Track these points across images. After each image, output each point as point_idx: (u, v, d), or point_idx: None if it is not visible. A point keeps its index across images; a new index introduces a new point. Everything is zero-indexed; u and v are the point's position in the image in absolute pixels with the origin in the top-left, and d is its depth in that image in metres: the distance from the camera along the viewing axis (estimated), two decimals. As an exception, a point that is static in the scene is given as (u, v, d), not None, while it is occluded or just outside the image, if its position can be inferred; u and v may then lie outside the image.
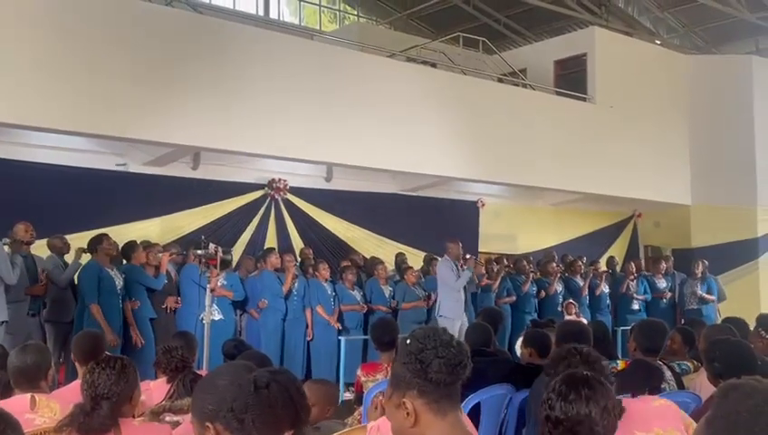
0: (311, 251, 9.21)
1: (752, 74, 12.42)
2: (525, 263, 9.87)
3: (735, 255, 11.93)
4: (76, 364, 3.79)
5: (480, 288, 9.05)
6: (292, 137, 8.36)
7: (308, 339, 8.04)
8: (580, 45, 12.07)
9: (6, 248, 6.06)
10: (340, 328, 8.12)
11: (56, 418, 2.74)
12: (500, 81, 11.46)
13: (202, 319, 6.78)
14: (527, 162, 10.42)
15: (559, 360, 2.69)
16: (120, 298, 6.58)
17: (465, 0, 16.88)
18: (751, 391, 1.44)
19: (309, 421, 1.93)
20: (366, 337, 7.77)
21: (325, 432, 2.95)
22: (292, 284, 7.93)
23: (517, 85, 11.63)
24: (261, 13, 17.64)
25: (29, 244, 6.41)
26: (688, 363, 4.58)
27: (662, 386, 3.72)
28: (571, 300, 9.46)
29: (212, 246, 6.64)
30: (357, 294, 8.34)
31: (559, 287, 9.79)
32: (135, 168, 8.49)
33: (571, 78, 11.94)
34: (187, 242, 8.01)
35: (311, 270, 8.36)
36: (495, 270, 9.41)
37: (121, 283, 6.60)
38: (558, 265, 10.14)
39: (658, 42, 16.22)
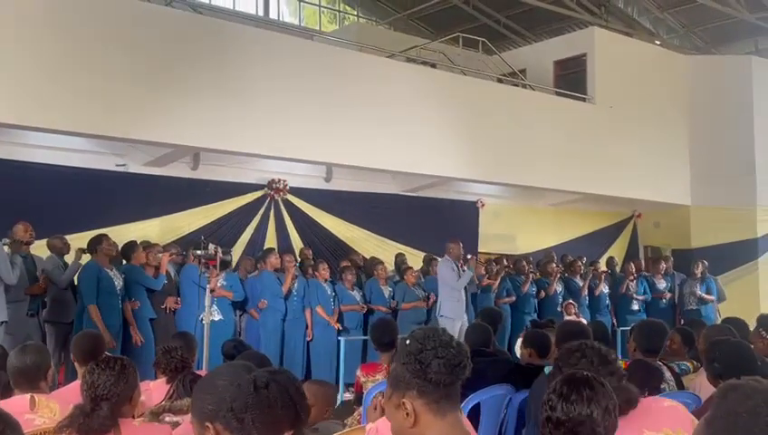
0: (310, 251, 9.22)
1: (751, 75, 12.42)
2: (525, 263, 9.88)
3: (735, 255, 11.93)
4: (76, 365, 3.79)
5: (480, 288, 9.05)
6: (291, 137, 8.36)
7: (308, 339, 8.04)
8: (579, 46, 12.07)
9: (6, 249, 6.06)
10: (340, 328, 8.12)
11: (56, 418, 2.74)
12: (500, 81, 11.46)
13: (202, 319, 6.78)
14: (527, 163, 10.42)
15: (570, 353, 2.69)
16: (120, 298, 6.57)
17: (465, 0, 16.88)
18: (750, 391, 1.44)
19: (308, 422, 1.93)
20: (366, 337, 7.78)
21: (324, 433, 2.95)
22: (292, 284, 7.93)
23: (517, 86, 11.63)
24: (261, 13, 17.64)
25: (29, 244, 6.41)
26: (688, 364, 4.58)
27: (662, 386, 3.73)
28: (570, 300, 9.46)
29: (212, 246, 6.64)
30: (356, 295, 8.34)
31: (558, 288, 9.79)
32: (135, 168, 8.49)
33: (571, 78, 11.94)
34: (187, 242, 8.01)
35: (310, 270, 8.36)
36: (495, 270, 9.41)
37: (121, 283, 6.60)
38: (558, 266, 10.14)
39: (658, 42, 16.22)
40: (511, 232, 11.81)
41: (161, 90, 7.58)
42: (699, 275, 10.20)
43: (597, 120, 11.37)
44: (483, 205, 11.49)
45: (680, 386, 4.00)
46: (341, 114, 8.76)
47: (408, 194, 10.66)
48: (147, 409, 3.18)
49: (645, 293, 10.46)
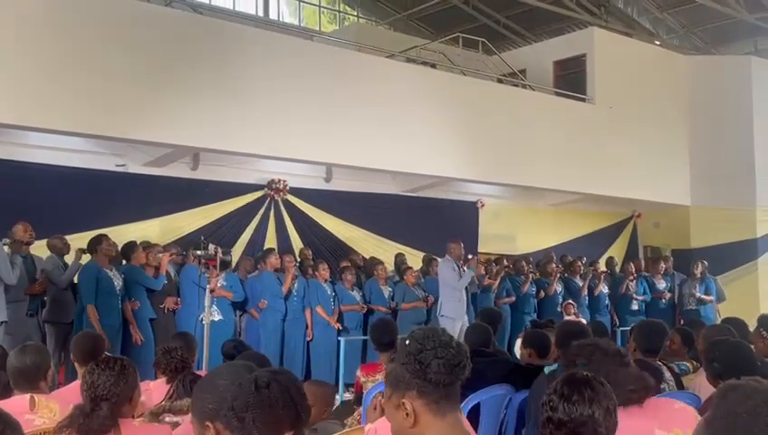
0: (310, 252, 9.22)
1: (751, 75, 12.43)
2: (524, 263, 9.88)
3: (735, 255, 11.94)
4: (76, 365, 3.79)
5: (480, 288, 9.06)
6: (291, 137, 8.36)
7: (308, 339, 8.04)
8: (579, 46, 12.07)
9: (6, 249, 6.06)
10: (340, 328, 8.12)
11: (55, 418, 2.74)
12: (499, 81, 11.47)
13: (201, 320, 6.78)
14: (527, 163, 10.42)
15: (582, 347, 2.69)
16: (120, 299, 6.58)
17: (465, 1, 16.88)
18: (750, 391, 1.44)
19: (308, 423, 1.93)
20: (365, 338, 7.78)
21: (323, 433, 2.95)
22: (292, 284, 7.93)
23: (517, 86, 11.63)
24: (260, 13, 17.65)
25: (28, 244, 6.41)
26: (688, 364, 4.58)
27: (662, 386, 3.73)
28: (569, 300, 9.46)
29: (211, 246, 6.64)
30: (356, 295, 8.35)
31: (558, 288, 9.80)
32: (134, 168, 8.49)
33: (571, 78, 11.94)
34: (187, 243, 8.02)
35: (310, 270, 8.36)
36: (495, 271, 9.41)
37: (120, 283, 6.60)
38: (558, 266, 10.15)
39: (658, 42, 16.23)
40: (511, 232, 11.81)
41: (161, 90, 7.58)
42: (699, 276, 10.20)
43: (597, 120, 11.37)
44: (483, 205, 11.50)
45: (680, 386, 3.99)
46: (341, 114, 8.76)
47: (408, 194, 10.66)
48: (147, 409, 3.18)
49: (645, 293, 10.46)
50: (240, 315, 8.04)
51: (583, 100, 11.49)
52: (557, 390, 2.08)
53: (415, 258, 9.87)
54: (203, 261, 6.71)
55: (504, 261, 9.95)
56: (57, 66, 6.96)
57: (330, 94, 8.71)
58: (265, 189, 9.42)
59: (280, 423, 1.75)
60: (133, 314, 6.71)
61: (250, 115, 8.09)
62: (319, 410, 3.13)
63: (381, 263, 8.84)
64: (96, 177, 8.07)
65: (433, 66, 10.93)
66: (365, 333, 7.85)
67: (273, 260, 8.03)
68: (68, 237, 6.88)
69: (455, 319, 7.74)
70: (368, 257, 9.40)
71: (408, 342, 1.85)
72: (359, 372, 4.67)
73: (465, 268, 8.08)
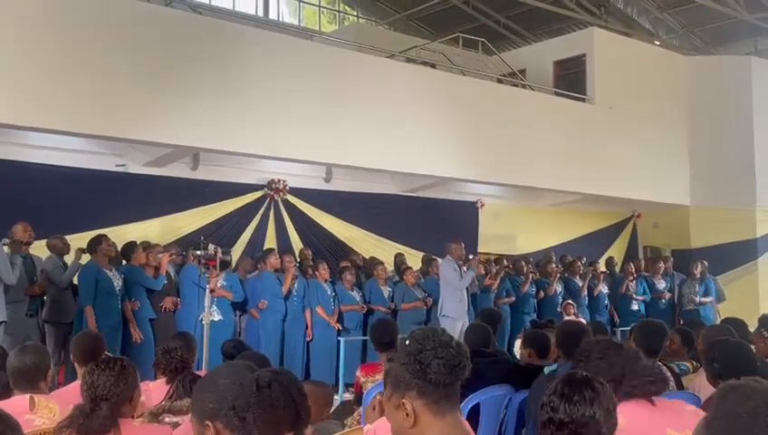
0: (310, 252, 9.21)
1: (751, 75, 12.44)
2: (524, 263, 9.88)
3: (734, 255, 11.94)
4: (75, 365, 3.79)
5: (480, 289, 9.06)
6: (291, 137, 8.36)
7: (308, 339, 8.04)
8: (579, 46, 12.08)
9: (6, 249, 6.06)
10: (340, 328, 8.12)
11: (55, 418, 2.74)
12: (499, 81, 11.47)
13: (201, 320, 6.78)
14: (526, 163, 10.43)
15: (594, 344, 2.68)
16: (120, 299, 6.58)
17: (465, 1, 16.88)
18: (750, 392, 1.44)
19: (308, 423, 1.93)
20: (365, 338, 7.78)
21: (322, 433, 2.95)
22: (292, 284, 7.93)
23: (516, 86, 11.63)
24: (260, 13, 17.64)
25: (28, 244, 6.40)
26: (687, 364, 4.58)
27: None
28: (569, 301, 9.47)
29: (211, 246, 6.64)
30: (356, 295, 8.35)
31: (558, 288, 9.80)
32: (134, 168, 8.49)
33: (571, 79, 11.94)
34: (187, 243, 8.02)
35: (310, 271, 8.36)
36: (495, 271, 9.41)
37: (120, 283, 6.61)
38: (557, 266, 10.15)
39: (657, 42, 16.23)
40: (510, 232, 11.81)
41: (161, 90, 7.58)
42: (698, 276, 10.20)
43: (596, 120, 11.37)
44: (482, 205, 11.50)
45: (680, 386, 4.00)
46: (341, 114, 8.76)
47: (408, 194, 10.66)
48: (147, 409, 3.18)
49: (644, 293, 10.46)
50: (240, 315, 8.04)
51: (583, 100, 11.49)
52: (557, 390, 2.07)
53: (414, 258, 9.87)
54: (203, 261, 6.71)
55: (504, 261, 9.95)
56: (57, 66, 6.96)
57: (329, 94, 8.72)
58: (265, 189, 9.42)
59: (280, 423, 1.75)
60: (133, 314, 6.71)
61: (250, 115, 8.09)
62: (317, 410, 3.13)
63: (381, 263, 8.84)
64: (96, 177, 8.07)
65: (433, 66, 10.93)
66: (365, 334, 7.85)
67: (273, 260, 8.03)
68: (68, 237, 6.88)
69: (456, 319, 7.74)
70: (367, 257, 9.40)
71: (408, 342, 1.85)
72: (358, 373, 4.66)
73: (466, 269, 8.08)
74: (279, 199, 9.52)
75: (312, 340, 8.04)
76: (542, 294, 9.74)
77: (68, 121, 7.11)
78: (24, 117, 6.88)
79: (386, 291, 8.55)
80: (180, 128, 7.69)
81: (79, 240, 6.89)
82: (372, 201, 10.33)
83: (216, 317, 7.08)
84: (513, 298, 9.50)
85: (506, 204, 11.81)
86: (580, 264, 10.35)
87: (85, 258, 6.59)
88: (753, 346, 4.15)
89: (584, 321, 8.13)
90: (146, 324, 6.82)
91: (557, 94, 11.59)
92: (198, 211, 8.81)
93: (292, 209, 9.64)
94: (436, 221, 10.57)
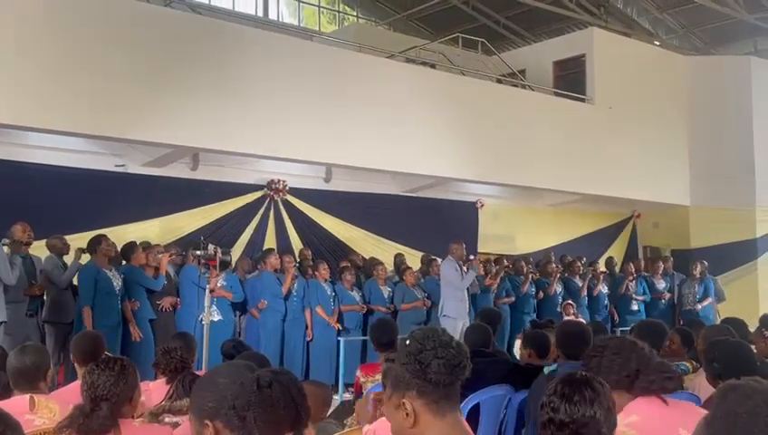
0: (310, 252, 9.21)
1: (750, 75, 12.44)
2: (524, 263, 9.88)
3: (734, 255, 11.95)
4: (75, 365, 3.78)
5: (481, 289, 9.06)
6: (291, 138, 8.36)
7: (307, 340, 8.04)
8: (579, 46, 12.08)
9: (6, 249, 6.06)
10: (340, 329, 8.12)
11: (55, 419, 2.74)
12: (499, 81, 11.47)
13: (201, 320, 6.78)
14: (526, 163, 10.43)
15: (607, 342, 2.68)
16: (119, 299, 6.58)
17: (465, 1, 16.88)
18: (750, 392, 1.44)
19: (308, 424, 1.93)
20: (365, 338, 7.78)
21: (322, 433, 2.95)
22: (292, 284, 7.93)
23: (516, 86, 11.64)
24: (260, 13, 17.64)
25: (28, 244, 6.40)
26: (687, 364, 4.58)
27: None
28: (569, 301, 9.47)
29: (211, 246, 6.64)
30: (356, 295, 8.35)
31: (558, 288, 9.80)
32: (134, 168, 8.49)
33: (570, 79, 11.95)
34: (187, 243, 8.02)
35: (310, 271, 8.36)
36: (494, 271, 9.41)
37: (120, 284, 6.60)
38: (557, 266, 10.15)
39: (657, 43, 16.23)
40: (510, 232, 11.81)
41: (161, 90, 7.58)
42: (698, 276, 10.20)
43: (596, 120, 11.37)
44: (482, 205, 11.50)
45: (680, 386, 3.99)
46: (341, 114, 8.76)
47: (408, 194, 10.66)
48: (146, 409, 3.18)
49: (644, 293, 10.46)
50: (240, 316, 8.04)
51: (583, 100, 11.49)
52: (557, 390, 2.06)
53: (414, 258, 9.87)
54: (202, 261, 6.70)
55: (504, 261, 9.95)
56: (57, 66, 6.96)
57: (329, 94, 8.72)
58: (265, 190, 9.43)
59: (280, 423, 1.75)
60: (133, 314, 6.71)
61: (250, 115, 8.09)
62: (315, 410, 3.13)
63: (381, 263, 8.84)
64: (96, 177, 8.07)
65: (432, 66, 10.93)
66: (365, 334, 7.85)
67: (273, 260, 8.03)
68: (67, 238, 6.87)
69: (456, 319, 7.75)
70: (367, 258, 9.40)
71: (408, 342, 1.85)
72: (358, 373, 4.66)
73: (467, 269, 8.08)
74: (279, 199, 9.52)
75: (311, 340, 8.04)
76: (541, 294, 9.74)
77: (67, 122, 7.11)
78: (24, 117, 6.88)
79: (385, 291, 8.55)
80: (180, 128, 7.69)
81: (78, 240, 6.89)
82: (372, 201, 10.33)
83: (216, 317, 7.08)
84: (513, 298, 9.50)
85: (506, 204, 11.81)
86: (579, 264, 10.35)
87: (85, 258, 6.59)
88: (753, 346, 4.15)
89: (584, 321, 8.13)
90: (146, 325, 6.82)
91: (557, 94, 11.59)
92: (198, 211, 8.81)
93: (291, 209, 9.64)
94: (436, 221, 10.57)
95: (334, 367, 7.86)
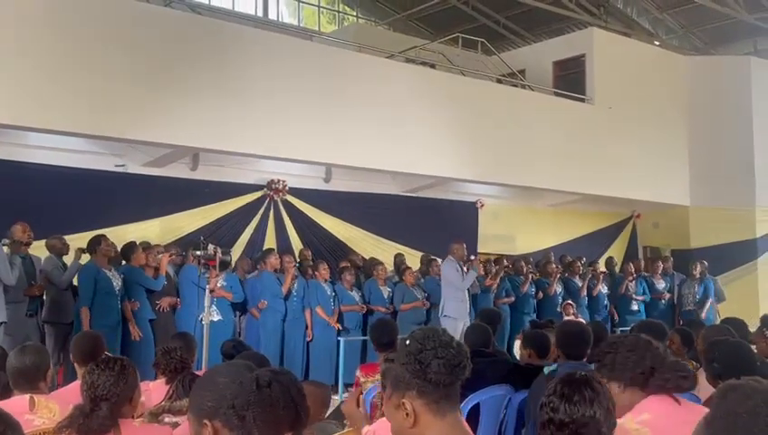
0: (309, 252, 9.21)
1: (750, 75, 12.45)
2: (524, 263, 9.88)
3: (734, 255, 11.95)
4: (75, 365, 3.78)
5: (481, 289, 9.06)
6: (291, 138, 8.36)
7: (307, 340, 8.04)
8: (578, 46, 12.08)
9: (5, 249, 6.05)
10: (340, 329, 8.12)
11: (55, 419, 2.74)
12: (499, 81, 11.47)
13: (201, 320, 6.77)
14: (526, 163, 10.43)
15: (622, 339, 2.68)
16: (119, 299, 6.58)
17: (464, 1, 16.88)
18: (750, 391, 1.44)
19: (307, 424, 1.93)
20: (365, 338, 7.78)
21: (321, 433, 2.95)
22: (292, 284, 7.93)
23: (516, 86, 11.64)
24: (260, 14, 17.64)
25: (27, 245, 6.39)
26: (687, 364, 4.58)
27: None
28: (569, 301, 9.47)
29: (211, 246, 6.63)
30: (356, 295, 8.35)
31: (558, 288, 9.80)
32: (134, 168, 8.49)
33: (570, 79, 11.95)
34: (187, 243, 8.02)
35: (310, 271, 8.36)
36: (494, 271, 9.42)
37: (119, 284, 6.60)
38: (557, 266, 10.15)
39: (657, 43, 16.23)
40: (510, 232, 11.82)
41: (161, 90, 7.58)
42: (698, 276, 10.20)
43: (596, 120, 11.38)
44: (482, 205, 11.50)
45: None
46: (341, 115, 8.76)
47: (408, 194, 10.66)
48: (146, 409, 3.18)
49: (644, 293, 10.46)
50: (240, 316, 8.04)
51: (582, 100, 11.49)
52: (557, 391, 2.06)
53: (414, 259, 9.87)
54: (202, 261, 6.70)
55: (504, 261, 9.95)
56: (57, 66, 6.96)
57: (329, 94, 8.72)
58: (265, 190, 9.43)
59: (280, 423, 1.75)
60: (133, 314, 6.71)
61: (250, 115, 8.09)
62: (314, 411, 3.13)
63: (381, 263, 8.84)
64: (95, 177, 8.07)
65: (432, 66, 10.93)
66: (365, 334, 7.85)
67: (273, 260, 8.03)
68: (67, 238, 6.87)
69: (457, 319, 7.75)
70: (367, 258, 9.40)
71: (408, 342, 1.85)
72: (358, 373, 4.66)
73: (467, 269, 8.08)
74: (279, 199, 9.52)
75: (311, 340, 8.04)
76: (541, 294, 9.74)
77: (67, 122, 7.11)
78: (24, 117, 6.88)
79: (385, 291, 8.55)
80: (180, 128, 7.69)
81: (78, 240, 6.89)
82: (372, 201, 10.33)
83: (216, 317, 7.08)
84: (513, 298, 9.50)
85: (506, 204, 11.81)
86: (579, 264, 10.35)
87: (85, 258, 6.59)
88: (753, 346, 4.15)
89: (584, 321, 8.14)
90: (146, 325, 6.82)
91: (556, 94, 11.59)
92: (198, 211, 8.81)
93: (291, 209, 9.64)
94: (436, 221, 10.57)
95: (334, 367, 7.87)
